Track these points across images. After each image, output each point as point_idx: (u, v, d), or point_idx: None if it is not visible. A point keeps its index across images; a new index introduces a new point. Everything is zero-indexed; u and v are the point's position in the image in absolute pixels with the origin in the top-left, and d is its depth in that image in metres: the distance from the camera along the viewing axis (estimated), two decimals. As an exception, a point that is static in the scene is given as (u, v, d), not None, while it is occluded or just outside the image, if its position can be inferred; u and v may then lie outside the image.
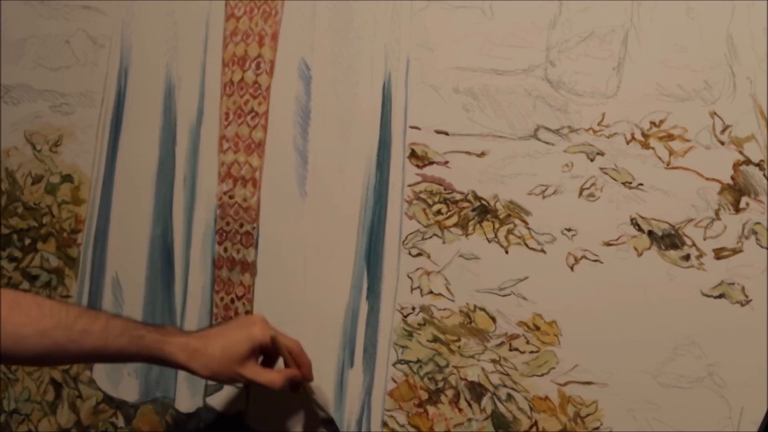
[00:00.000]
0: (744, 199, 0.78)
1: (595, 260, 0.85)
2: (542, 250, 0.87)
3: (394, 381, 0.94)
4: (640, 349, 0.83)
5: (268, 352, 0.87)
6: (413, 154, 0.93)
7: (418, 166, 0.93)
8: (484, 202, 0.90)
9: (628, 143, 0.83)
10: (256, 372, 0.84)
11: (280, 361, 0.90)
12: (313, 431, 0.99)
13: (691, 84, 0.80)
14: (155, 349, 0.78)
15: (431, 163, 0.92)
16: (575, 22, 0.84)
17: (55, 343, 0.72)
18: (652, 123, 0.82)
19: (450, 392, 0.92)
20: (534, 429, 0.88)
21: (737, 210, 0.79)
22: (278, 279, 1.01)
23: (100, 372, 1.12)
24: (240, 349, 0.82)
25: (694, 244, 0.80)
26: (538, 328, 0.87)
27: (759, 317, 0.78)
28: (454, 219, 0.91)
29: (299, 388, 0.90)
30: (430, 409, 0.93)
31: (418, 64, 0.92)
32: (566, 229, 0.86)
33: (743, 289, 0.79)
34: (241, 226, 1.03)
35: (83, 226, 1.13)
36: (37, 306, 0.72)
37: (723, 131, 0.79)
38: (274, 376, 0.86)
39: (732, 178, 0.79)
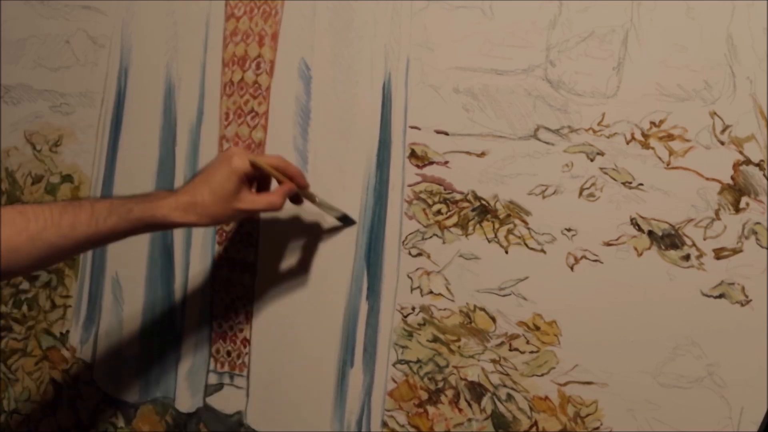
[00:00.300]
0: (744, 199, 0.78)
1: (595, 260, 0.85)
2: (542, 250, 0.87)
3: (394, 381, 0.94)
4: (640, 349, 0.83)
5: (257, 178, 0.87)
6: (413, 154, 0.93)
7: (418, 166, 0.93)
8: (484, 202, 0.90)
9: (628, 143, 0.83)
10: (252, 200, 0.83)
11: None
12: (313, 429, 0.99)
13: (691, 84, 0.80)
14: (148, 217, 0.77)
15: (431, 163, 0.92)
16: (575, 22, 0.84)
17: (49, 244, 0.71)
18: (652, 123, 0.82)
19: (450, 392, 0.92)
20: (534, 429, 0.88)
21: (737, 210, 0.79)
22: (278, 279, 1.01)
23: (100, 372, 1.12)
24: (228, 185, 0.81)
25: (694, 244, 0.80)
26: (538, 328, 0.87)
27: (759, 317, 0.78)
28: (454, 219, 0.91)
29: (300, 199, 0.91)
30: (430, 409, 0.93)
31: (418, 64, 0.92)
32: (566, 229, 0.86)
33: (743, 289, 0.79)
34: (242, 225, 1.03)
35: (83, 226, 1.13)
36: (19, 214, 0.71)
37: (723, 131, 0.79)
38: (271, 197, 0.85)
39: (732, 178, 0.79)
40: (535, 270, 0.87)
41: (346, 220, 0.95)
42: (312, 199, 0.91)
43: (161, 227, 0.80)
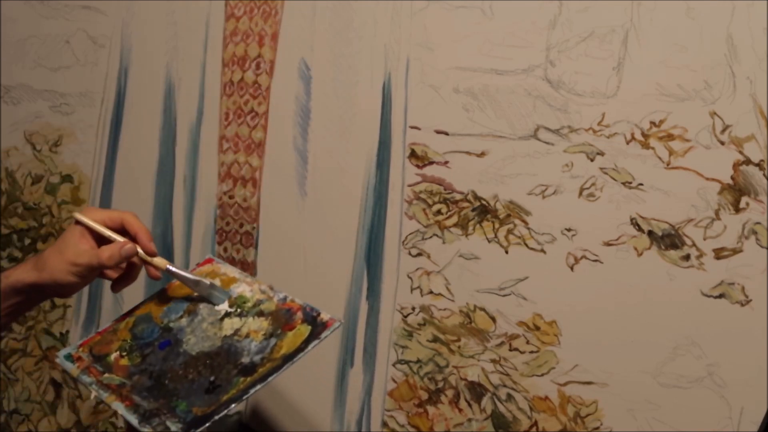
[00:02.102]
0: (744, 199, 0.78)
1: (595, 260, 0.85)
2: (542, 250, 0.87)
3: (394, 381, 0.94)
4: (640, 349, 0.83)
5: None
6: (413, 154, 0.93)
7: (418, 166, 0.93)
8: (484, 202, 0.90)
9: (628, 143, 0.83)
10: (78, 253, 0.73)
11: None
12: (312, 429, 0.99)
13: (691, 84, 0.80)
14: (13, 282, 0.73)
15: (431, 163, 0.92)
16: (575, 22, 0.84)
17: None
18: (652, 123, 0.82)
19: (450, 392, 0.92)
20: (534, 429, 0.88)
21: (737, 210, 0.79)
22: (278, 279, 1.01)
23: (100, 372, 1.12)
24: (68, 237, 0.74)
25: (694, 244, 0.80)
26: (538, 328, 0.87)
27: (759, 317, 0.78)
28: (454, 219, 0.91)
29: (155, 272, 0.76)
30: (430, 409, 0.93)
31: (418, 64, 0.92)
32: (566, 229, 0.86)
33: (743, 289, 0.79)
34: (241, 226, 1.03)
35: (83, 226, 1.13)
36: None
37: (723, 131, 0.79)
38: (97, 250, 0.73)
39: (732, 178, 0.79)
40: (535, 270, 0.87)
41: (212, 294, 0.77)
42: (159, 266, 0.75)
43: (24, 292, 0.74)
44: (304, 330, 0.72)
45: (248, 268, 1.03)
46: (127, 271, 0.78)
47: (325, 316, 0.72)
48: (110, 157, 1.12)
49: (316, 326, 0.71)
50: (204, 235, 1.05)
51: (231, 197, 1.04)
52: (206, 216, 1.06)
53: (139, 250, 0.75)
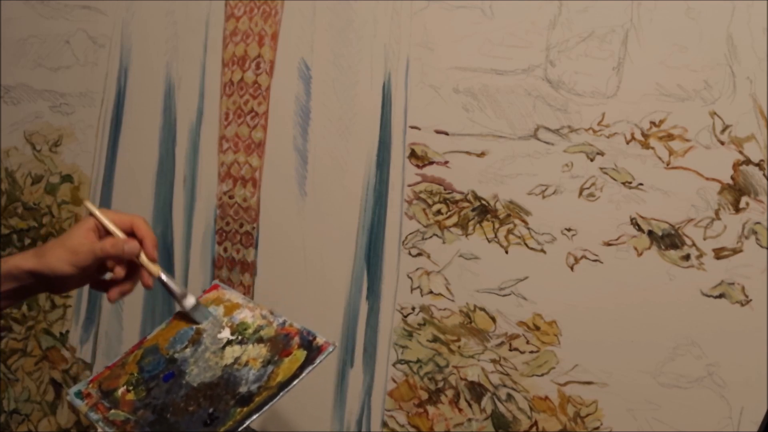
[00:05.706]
0: (744, 199, 0.78)
1: (595, 260, 0.85)
2: (542, 250, 0.87)
3: (394, 381, 0.94)
4: (640, 349, 0.83)
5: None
6: (413, 154, 0.93)
7: (418, 166, 0.93)
8: (484, 202, 0.90)
9: (628, 143, 0.83)
10: (81, 243, 0.73)
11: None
12: (311, 428, 0.99)
13: (691, 84, 0.80)
14: (12, 268, 0.73)
15: (431, 163, 0.92)
16: (575, 22, 0.84)
17: None
18: (652, 123, 0.82)
19: (450, 392, 0.92)
20: (534, 429, 0.88)
21: (737, 210, 0.79)
22: (278, 279, 1.01)
23: (100, 372, 1.12)
24: (74, 232, 0.74)
25: (694, 244, 0.80)
26: (538, 328, 0.87)
27: (759, 317, 0.78)
28: (454, 219, 0.91)
29: (143, 278, 0.76)
30: (430, 409, 0.93)
31: (418, 64, 0.92)
32: (566, 229, 0.86)
33: (743, 289, 0.79)
34: (241, 226, 1.03)
35: (83, 226, 1.13)
36: None
37: (723, 131, 0.79)
38: (99, 242, 0.74)
39: (732, 177, 0.79)
40: (535, 270, 0.87)
41: (196, 312, 0.77)
42: (153, 272, 0.75)
43: (21, 278, 0.74)
44: (300, 355, 0.71)
45: (248, 268, 1.03)
46: (126, 276, 0.77)
47: (320, 339, 0.71)
48: (110, 157, 1.12)
49: (312, 351, 0.71)
50: (204, 235, 1.05)
51: (231, 197, 1.04)
52: (206, 216, 1.06)
53: (142, 254, 0.75)
